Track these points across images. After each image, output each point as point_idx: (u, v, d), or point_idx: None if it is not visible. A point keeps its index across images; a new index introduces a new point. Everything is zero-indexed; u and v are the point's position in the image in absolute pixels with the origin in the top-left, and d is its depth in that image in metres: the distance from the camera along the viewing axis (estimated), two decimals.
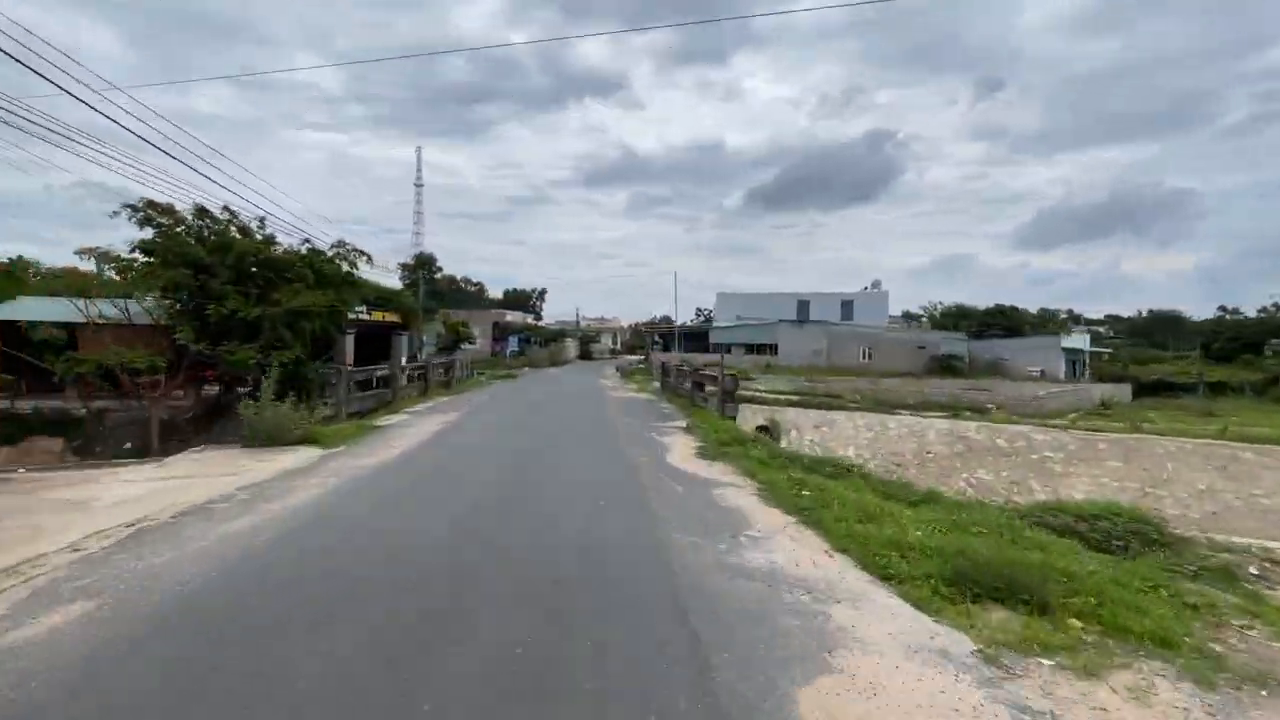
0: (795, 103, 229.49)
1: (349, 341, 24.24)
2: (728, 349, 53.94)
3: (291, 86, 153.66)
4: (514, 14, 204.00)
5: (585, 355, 69.46)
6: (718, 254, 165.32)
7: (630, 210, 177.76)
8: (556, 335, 61.23)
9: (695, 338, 55.31)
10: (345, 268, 23.76)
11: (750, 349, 52.87)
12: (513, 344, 52.69)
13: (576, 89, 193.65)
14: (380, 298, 26.90)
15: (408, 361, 29.87)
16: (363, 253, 24.12)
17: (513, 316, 68.01)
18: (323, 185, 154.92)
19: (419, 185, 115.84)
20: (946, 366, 46.47)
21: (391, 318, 28.24)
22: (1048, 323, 67.91)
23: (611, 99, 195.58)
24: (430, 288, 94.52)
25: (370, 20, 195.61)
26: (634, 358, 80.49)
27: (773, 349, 51.48)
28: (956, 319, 77.64)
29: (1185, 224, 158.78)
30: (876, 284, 63.88)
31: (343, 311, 22.89)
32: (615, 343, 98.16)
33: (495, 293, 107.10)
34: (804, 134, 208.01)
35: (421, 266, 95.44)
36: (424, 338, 30.15)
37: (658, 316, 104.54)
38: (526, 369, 45.90)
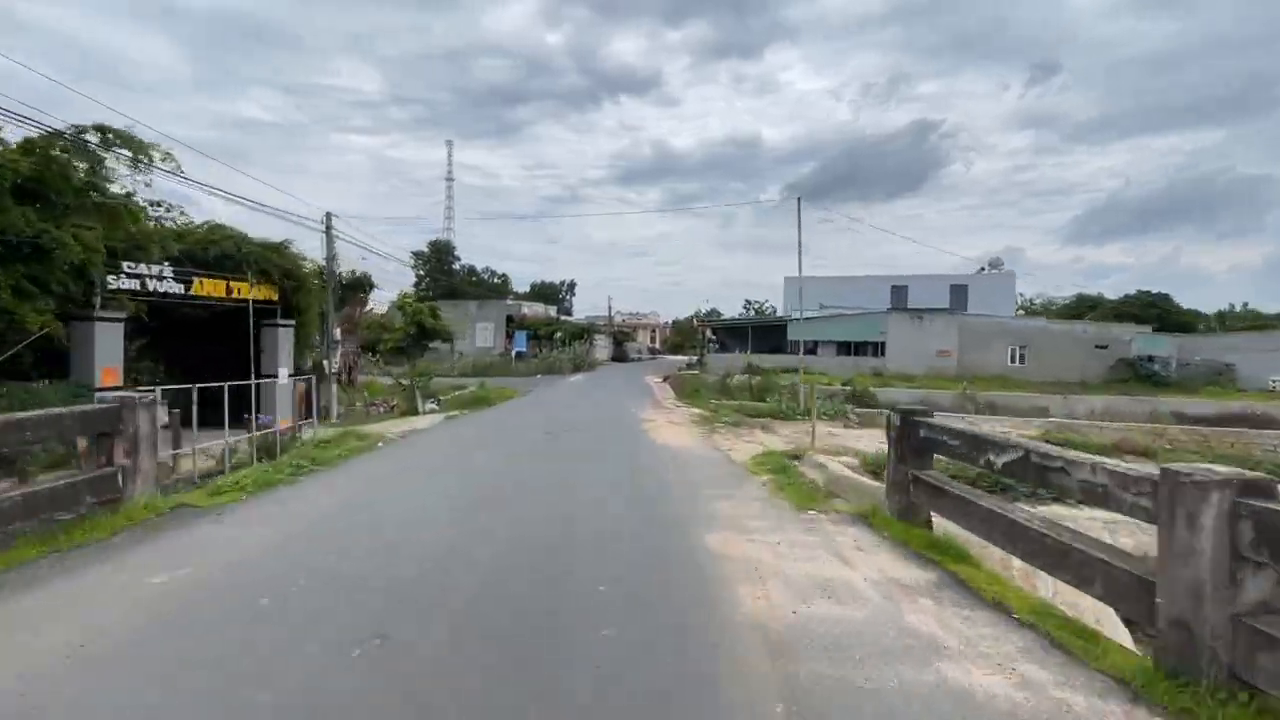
0: (834, 95, 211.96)
1: (100, 336, 11.11)
2: (812, 348, 39.56)
3: (334, 91, 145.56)
4: (549, 13, 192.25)
5: (620, 356, 55.86)
6: (754, 251, 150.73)
7: (664, 208, 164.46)
8: (583, 331, 47.80)
9: (765, 333, 41.21)
10: (82, 172, 10.64)
11: (844, 348, 38.39)
12: (519, 343, 39.35)
13: (611, 87, 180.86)
14: (214, 253, 13.61)
15: (312, 374, 16.73)
16: (129, 139, 10.90)
17: (532, 309, 54.89)
18: (365, 188, 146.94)
19: (449, 180, 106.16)
20: (1146, 375, 31.19)
21: (259, 293, 14.99)
22: (1223, 318, 51.29)
23: (646, 96, 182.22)
24: (446, 279, 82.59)
25: (409, 24, 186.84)
26: (678, 358, 66.59)
27: (877, 348, 36.93)
28: (1079, 310, 61.41)
29: (1256, 214, 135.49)
30: (997, 263, 48.48)
31: (57, 260, 9.78)
32: (654, 340, 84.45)
33: (523, 288, 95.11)
34: (843, 127, 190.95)
35: (437, 255, 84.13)
36: (336, 332, 16.78)
37: (703, 311, 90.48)
38: (539, 378, 32.56)
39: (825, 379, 30.72)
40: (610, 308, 58.15)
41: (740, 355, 39.11)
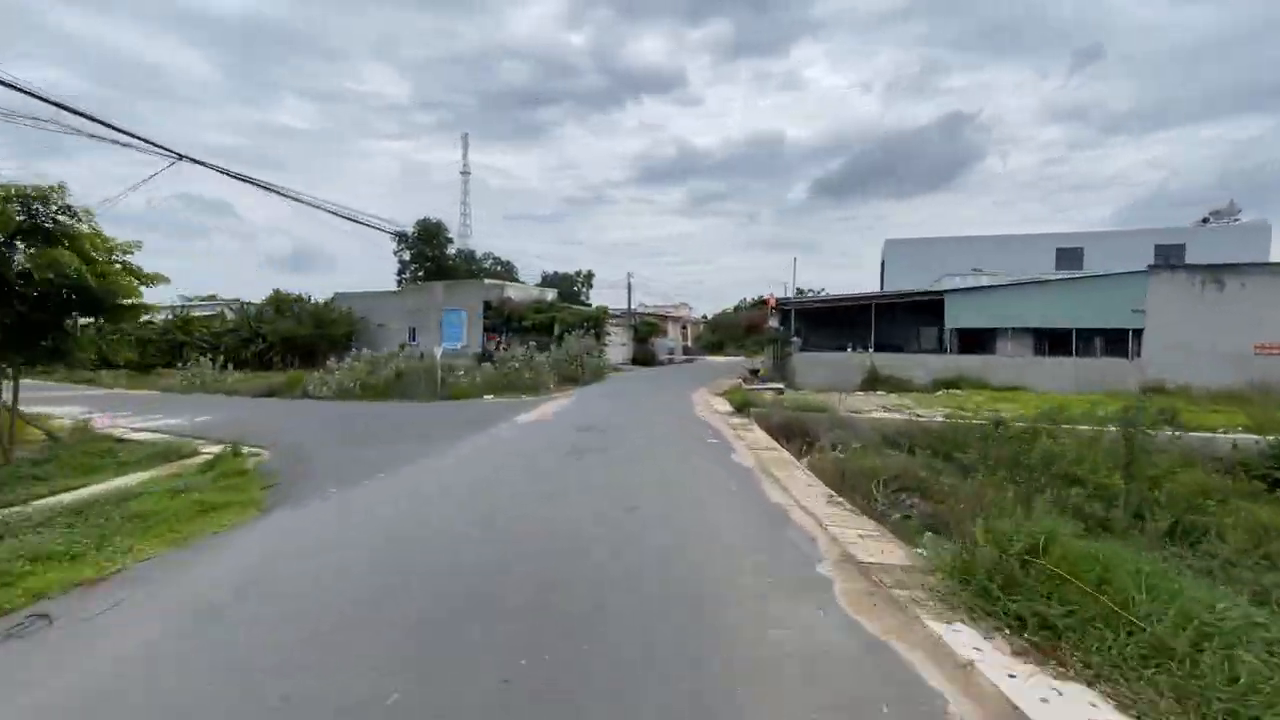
0: (859, 90, 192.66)
1: None
2: (979, 337, 22.03)
3: (362, 97, 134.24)
4: (571, 14, 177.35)
5: (645, 358, 39.02)
6: (780, 250, 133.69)
7: (687, 207, 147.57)
8: (590, 319, 31.06)
9: (900, 315, 23.81)
10: None
11: (1044, 340, 20.74)
12: (452, 334, 22.17)
13: (633, 87, 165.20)
14: None
15: None
16: None
17: (520, 293, 38.49)
18: (389, 190, 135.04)
19: (465, 174, 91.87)
20: None
21: None
22: None
23: (668, 95, 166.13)
24: (435, 264, 66.81)
25: (434, 28, 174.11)
26: (723, 359, 49.30)
27: (1113, 340, 19.41)
28: None
29: None
30: (1230, 212, 30.18)
31: None
32: (686, 338, 67.11)
33: (534, 279, 79.20)
34: (868, 122, 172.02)
35: (427, 235, 68.66)
36: None
37: (748, 303, 72.95)
38: (487, 402, 15.93)
39: (1075, 410, 13.28)
40: (630, 290, 41.20)
41: (852, 355, 21.86)
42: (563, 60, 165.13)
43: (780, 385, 20.59)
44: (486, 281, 39.80)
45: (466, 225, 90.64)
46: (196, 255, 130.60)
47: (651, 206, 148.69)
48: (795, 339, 25.07)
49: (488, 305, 35.35)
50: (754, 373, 27.91)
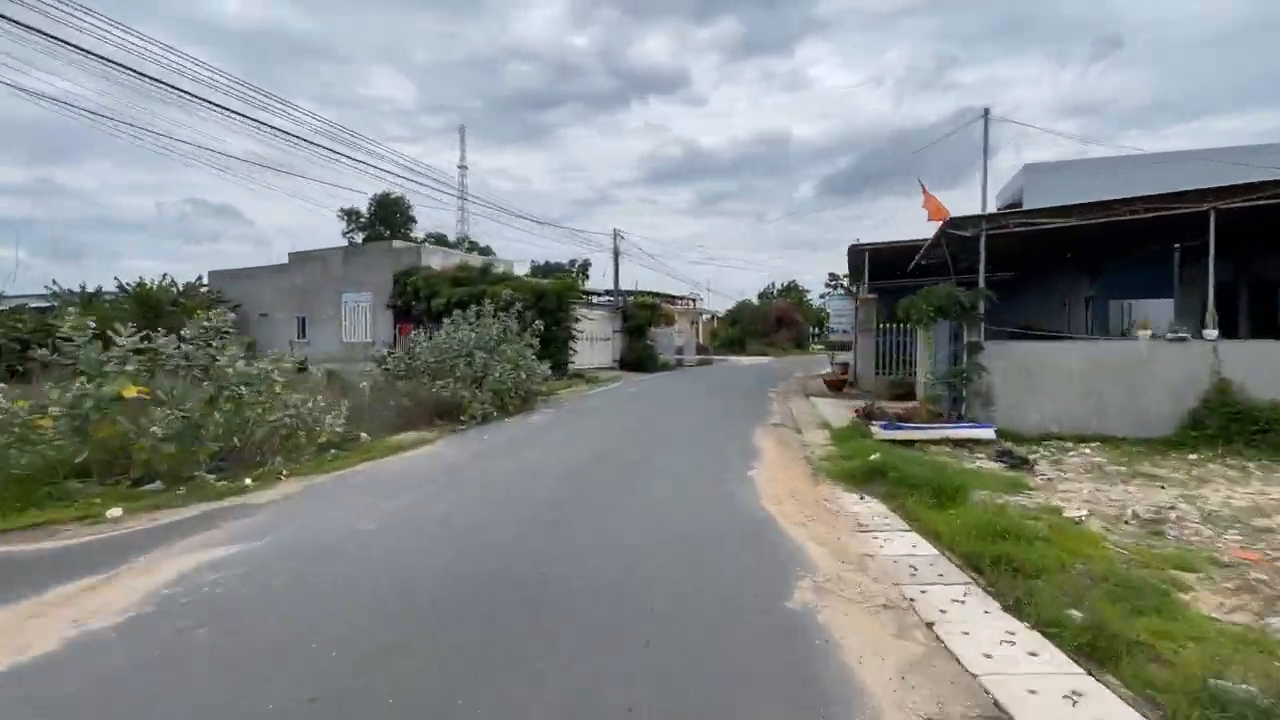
0: (868, 87, 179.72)
1: None
2: None
3: (367, 101, 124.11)
4: (576, 16, 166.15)
5: (639, 357, 25.81)
6: (791, 249, 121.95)
7: (695, 207, 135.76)
8: (552, 296, 17.80)
9: (1074, 273, 10.66)
10: None
11: None
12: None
13: (640, 88, 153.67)
14: None
15: None
16: None
17: (447, 259, 25.45)
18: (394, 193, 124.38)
19: (462, 168, 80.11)
20: None
21: None
22: None
23: (674, 96, 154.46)
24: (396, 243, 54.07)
25: (438, 32, 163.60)
26: (751, 360, 36.07)
27: None
28: None
29: None
30: None
31: None
32: (699, 334, 53.84)
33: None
34: (878, 120, 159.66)
35: (384, 213, 56.46)
36: None
37: (778, 288, 59.18)
38: None
39: None
40: (616, 256, 28.19)
41: (1153, 347, 8.56)
42: (569, 62, 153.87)
43: (984, 428, 7.45)
44: (396, 245, 26.85)
45: (464, 222, 78.34)
46: (203, 259, 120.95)
47: (659, 207, 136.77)
48: (942, 316, 11.70)
49: (398, 281, 22.52)
50: (835, 387, 14.77)
